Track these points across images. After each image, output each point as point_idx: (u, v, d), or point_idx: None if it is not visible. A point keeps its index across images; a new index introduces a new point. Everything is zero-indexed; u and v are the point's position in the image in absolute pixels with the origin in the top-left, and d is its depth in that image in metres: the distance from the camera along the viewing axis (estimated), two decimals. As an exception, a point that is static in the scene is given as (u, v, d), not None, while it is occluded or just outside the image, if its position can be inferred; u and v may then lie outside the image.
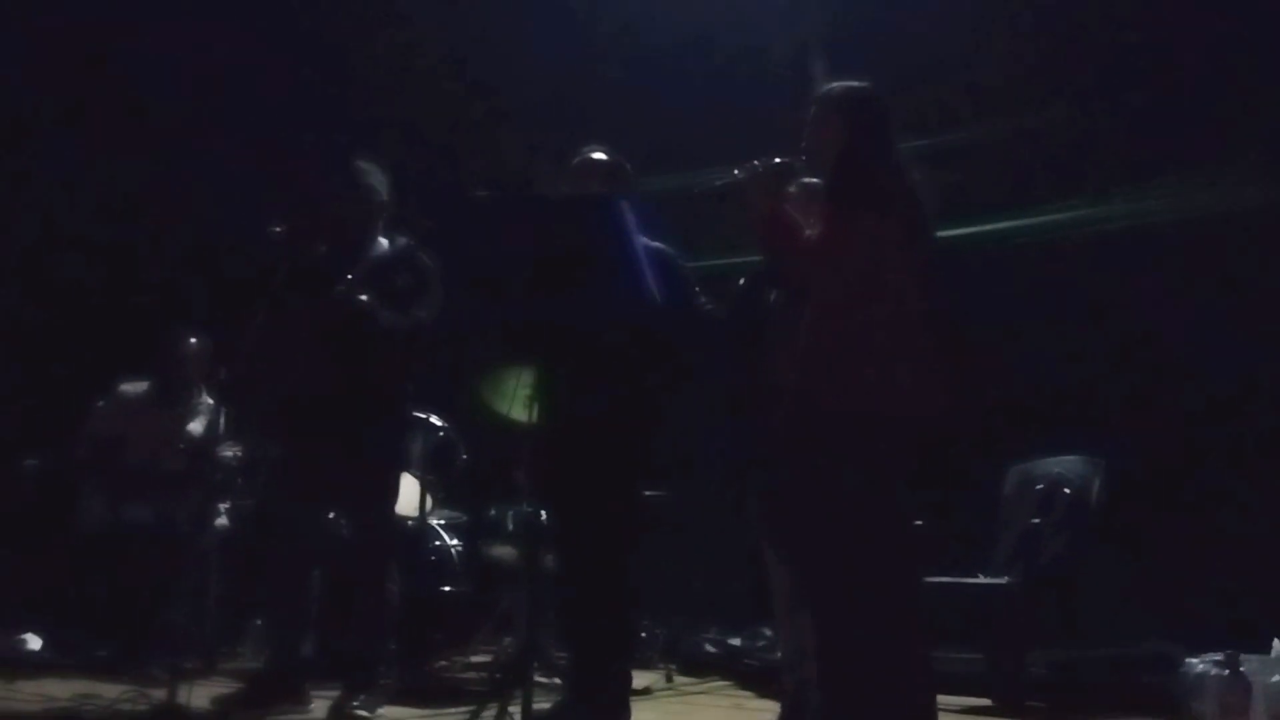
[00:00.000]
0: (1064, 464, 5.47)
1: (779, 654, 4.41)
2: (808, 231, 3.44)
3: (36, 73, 7.08)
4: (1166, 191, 6.06)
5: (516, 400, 5.07)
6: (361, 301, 4.38)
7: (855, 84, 3.63)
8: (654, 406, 4.15)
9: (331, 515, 4.75)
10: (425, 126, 7.43)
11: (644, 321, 3.86)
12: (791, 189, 3.70)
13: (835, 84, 3.65)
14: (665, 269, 3.93)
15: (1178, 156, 6.05)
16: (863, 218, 3.39)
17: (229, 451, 5.66)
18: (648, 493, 4.31)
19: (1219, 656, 4.57)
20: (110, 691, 4.39)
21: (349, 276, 4.43)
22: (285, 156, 6.60)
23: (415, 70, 7.51)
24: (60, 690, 4.61)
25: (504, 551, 5.93)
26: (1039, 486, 5.49)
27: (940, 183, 3.65)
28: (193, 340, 5.81)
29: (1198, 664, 4.70)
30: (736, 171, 3.54)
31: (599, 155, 4.28)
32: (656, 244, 4.07)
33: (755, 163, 3.52)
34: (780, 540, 3.92)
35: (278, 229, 4.43)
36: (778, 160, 3.54)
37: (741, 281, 4.35)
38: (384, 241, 4.63)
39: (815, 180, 3.78)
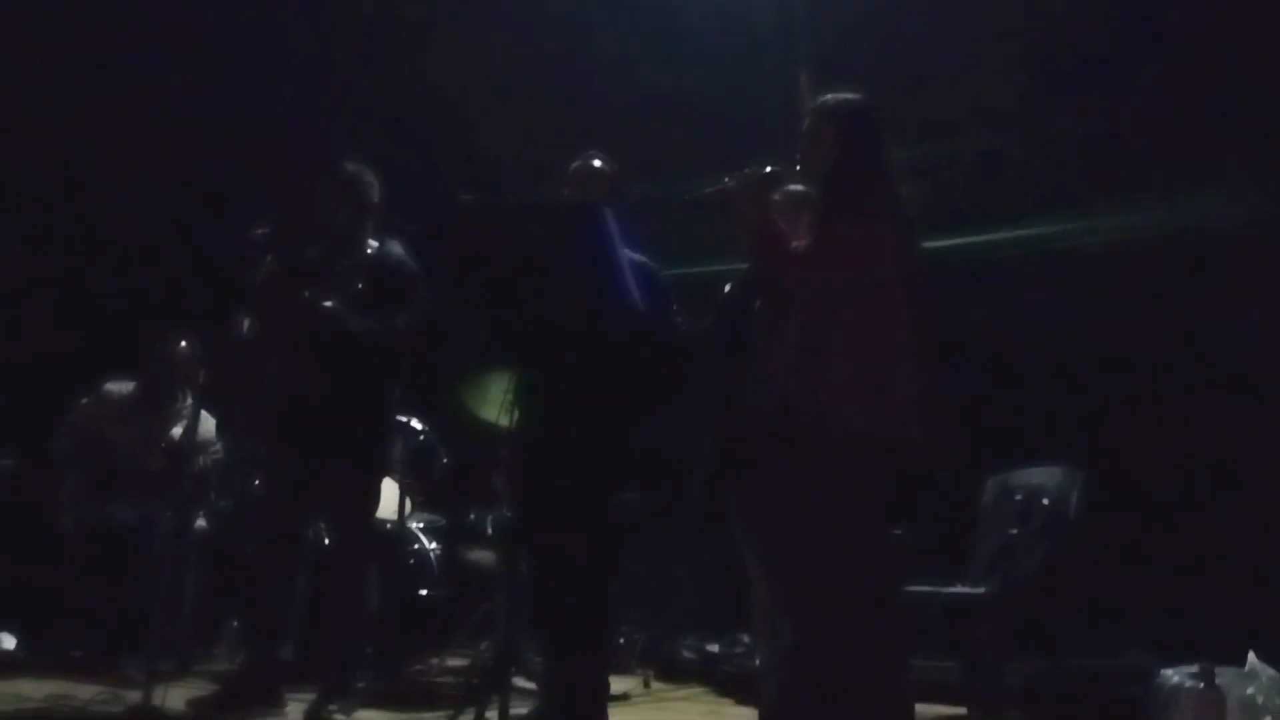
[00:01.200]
0: (1043, 474, 5.48)
1: (757, 661, 4.42)
2: (795, 242, 3.44)
3: (31, 76, 7.04)
4: (1149, 205, 6.09)
5: (498, 405, 5.08)
6: (326, 308, 4.36)
7: (850, 96, 3.63)
8: (635, 413, 4.14)
9: (313, 518, 4.74)
10: (414, 131, 7.42)
11: (626, 329, 3.85)
12: (776, 196, 3.70)
13: (830, 95, 3.65)
14: (646, 282, 3.93)
15: (1161, 170, 6.07)
16: (853, 231, 3.39)
17: (204, 457, 5.64)
18: (626, 496, 4.30)
19: (1194, 669, 4.58)
20: (85, 692, 4.38)
21: (317, 282, 4.42)
22: (275, 158, 6.59)
23: (406, 74, 7.50)
24: (34, 690, 4.59)
25: (482, 556, 5.92)
26: (1017, 497, 5.50)
27: (926, 194, 3.65)
28: (183, 344, 5.76)
29: (1173, 676, 4.70)
30: (727, 179, 3.53)
31: (597, 162, 4.29)
32: (639, 256, 4.08)
33: (745, 170, 3.52)
34: (760, 550, 3.92)
35: (261, 230, 4.43)
36: (768, 169, 3.53)
37: (728, 288, 4.35)
38: (374, 243, 4.62)
39: (799, 187, 3.78)
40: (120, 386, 5.82)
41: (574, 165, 4.29)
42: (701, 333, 4.33)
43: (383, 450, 4.80)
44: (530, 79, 7.14)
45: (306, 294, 4.38)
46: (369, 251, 4.59)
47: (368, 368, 4.47)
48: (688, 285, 4.36)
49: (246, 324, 4.44)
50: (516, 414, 4.06)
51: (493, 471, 5.86)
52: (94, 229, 7.44)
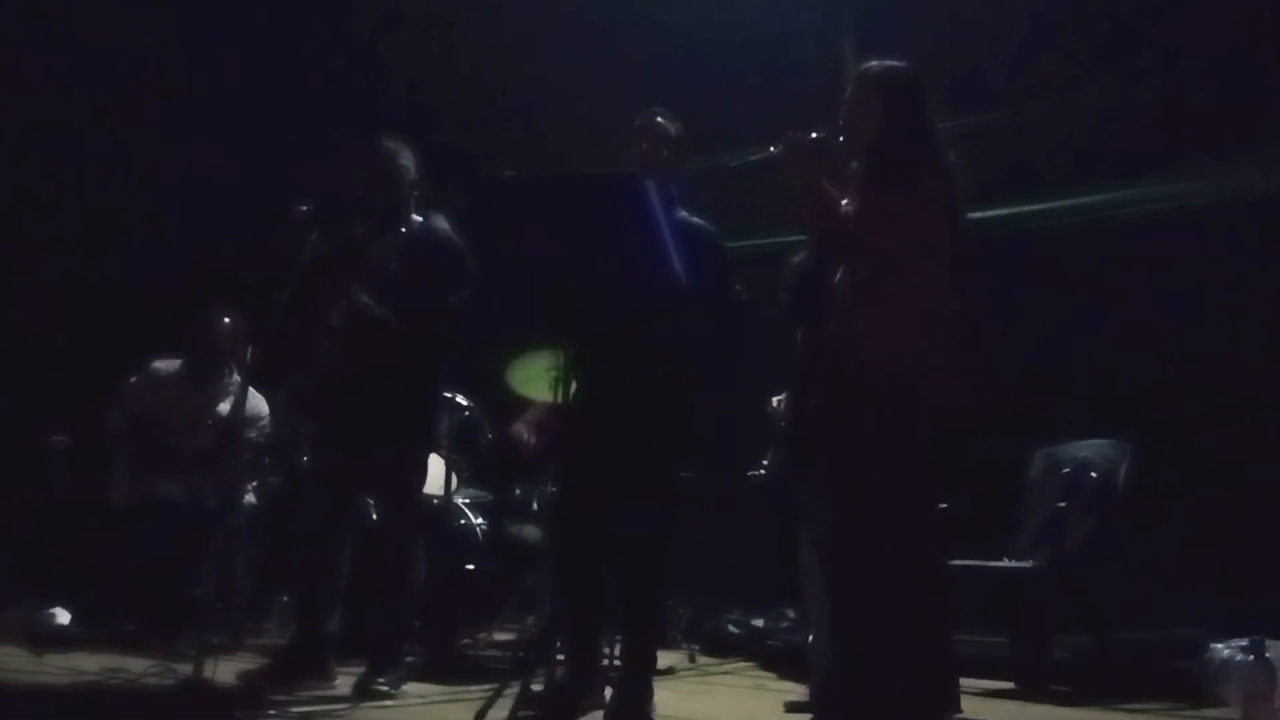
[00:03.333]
0: (1091, 447, 5.44)
1: (810, 638, 4.41)
2: (845, 206, 3.44)
3: (62, 55, 7.09)
4: (1197, 175, 6.01)
5: (540, 383, 5.07)
6: (354, 298, 4.38)
7: (894, 63, 3.62)
8: (689, 385, 4.11)
9: (360, 494, 4.76)
10: (452, 106, 7.44)
11: (668, 302, 3.82)
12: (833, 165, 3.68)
13: (874, 63, 3.64)
14: (703, 247, 3.90)
15: (1209, 139, 5.99)
16: (900, 197, 3.39)
17: (253, 433, 5.68)
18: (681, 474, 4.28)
19: (1244, 642, 4.55)
20: (137, 665, 4.42)
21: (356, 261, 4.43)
22: (315, 136, 6.61)
23: (441, 51, 7.50)
24: (88, 664, 4.65)
25: (528, 531, 5.95)
26: (1065, 470, 5.47)
27: (972, 162, 3.63)
28: (226, 320, 5.81)
29: (1223, 649, 4.67)
30: (774, 147, 3.53)
31: (660, 119, 4.23)
32: (698, 220, 4.04)
33: (791, 136, 3.51)
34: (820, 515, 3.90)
35: (304, 208, 4.44)
36: (814, 134, 3.53)
37: (795, 260, 4.32)
38: (418, 219, 4.63)
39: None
40: (168, 364, 5.87)
41: (637, 122, 4.24)
42: (780, 305, 4.30)
43: (430, 425, 4.82)
44: (571, 51, 7.12)
45: (338, 280, 4.39)
46: (412, 228, 4.59)
47: (412, 345, 4.48)
48: (742, 258, 4.33)
49: (290, 301, 4.45)
50: (566, 388, 4.05)
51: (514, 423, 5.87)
52: (143, 209, 7.51)
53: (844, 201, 3.50)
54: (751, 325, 4.21)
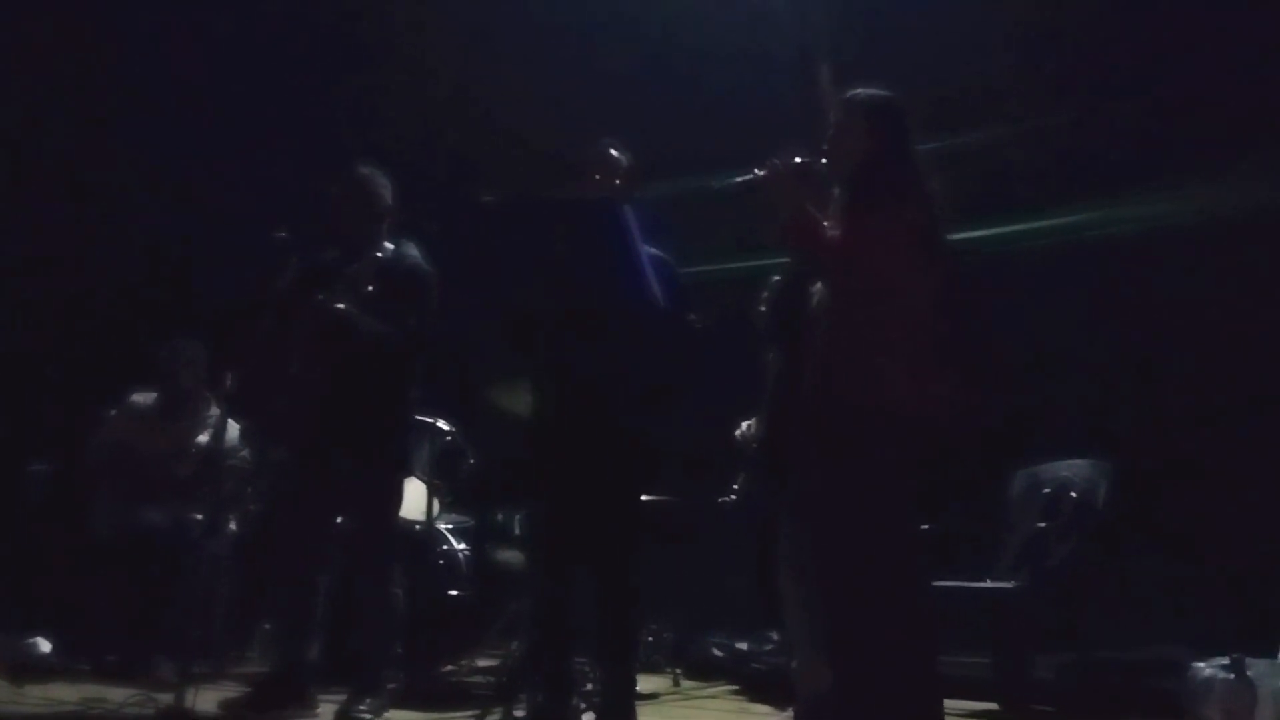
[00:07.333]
0: (1071, 468, 5.46)
1: (794, 663, 4.41)
2: (830, 231, 3.46)
3: (37, 80, 7.09)
4: (1174, 194, 6.05)
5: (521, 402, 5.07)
6: (338, 310, 4.39)
7: (878, 91, 3.66)
8: (655, 408, 4.13)
9: (338, 520, 4.75)
10: (428, 130, 7.45)
11: (645, 324, 3.84)
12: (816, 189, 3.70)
13: (859, 89, 3.67)
14: (662, 277, 3.93)
15: (1185, 159, 6.04)
16: (883, 222, 3.41)
17: (234, 461, 5.66)
18: (658, 498, 4.28)
19: (1225, 661, 4.56)
20: (118, 695, 4.41)
21: (331, 285, 4.44)
22: (287, 162, 6.62)
23: (419, 74, 7.52)
24: (68, 694, 4.63)
25: (511, 556, 5.94)
26: (1046, 490, 5.48)
27: (952, 186, 3.66)
28: (192, 349, 5.80)
29: (1204, 668, 4.68)
30: (758, 170, 3.55)
31: (613, 151, 4.28)
32: (655, 250, 4.08)
33: (775, 160, 3.53)
34: (800, 539, 3.91)
35: (281, 234, 4.45)
36: (799, 159, 3.55)
37: (775, 279, 4.33)
38: (390, 246, 4.64)
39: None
40: (145, 397, 5.87)
41: (589, 153, 4.28)
42: (758, 325, 4.32)
43: (403, 449, 4.82)
44: (552, 77, 7.14)
45: (320, 297, 4.41)
46: (384, 254, 4.60)
47: (384, 368, 4.49)
48: (708, 283, 4.36)
49: (268, 328, 4.46)
50: (538, 409, 4.06)
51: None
52: (129, 240, 7.50)
53: (826, 224, 3.52)
54: (708, 353, 4.24)
